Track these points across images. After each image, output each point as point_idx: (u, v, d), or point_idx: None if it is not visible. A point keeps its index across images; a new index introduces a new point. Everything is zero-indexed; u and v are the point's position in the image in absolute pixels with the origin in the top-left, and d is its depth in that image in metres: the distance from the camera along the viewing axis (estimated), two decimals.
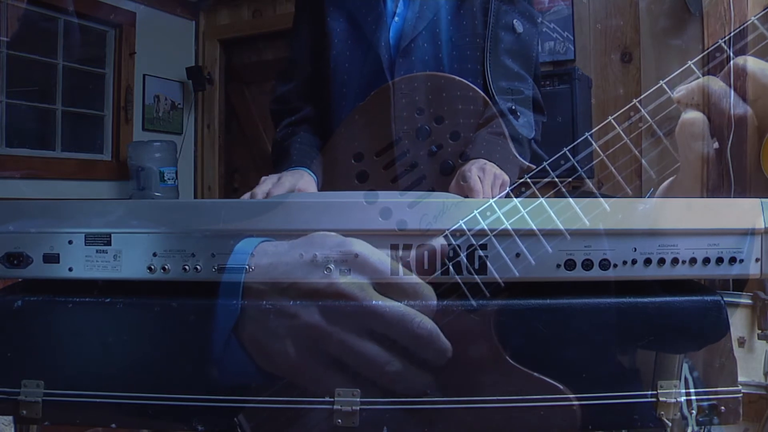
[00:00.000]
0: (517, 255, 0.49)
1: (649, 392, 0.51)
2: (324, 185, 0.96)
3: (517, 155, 0.93)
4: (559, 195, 0.50)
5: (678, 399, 0.50)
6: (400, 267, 0.47)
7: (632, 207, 0.49)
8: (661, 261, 0.49)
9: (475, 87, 0.94)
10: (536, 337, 0.50)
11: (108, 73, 2.66)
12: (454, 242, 0.48)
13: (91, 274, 0.50)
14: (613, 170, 0.52)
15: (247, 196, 0.89)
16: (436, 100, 0.94)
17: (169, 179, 2.63)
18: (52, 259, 0.51)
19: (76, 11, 2.46)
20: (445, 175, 0.93)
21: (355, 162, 0.96)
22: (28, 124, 2.48)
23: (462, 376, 0.49)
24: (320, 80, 1.03)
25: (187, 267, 0.49)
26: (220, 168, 2.94)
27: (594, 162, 0.52)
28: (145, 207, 0.52)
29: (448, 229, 0.48)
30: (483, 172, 0.85)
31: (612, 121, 0.52)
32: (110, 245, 0.50)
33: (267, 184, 0.89)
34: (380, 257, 0.48)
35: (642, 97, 0.53)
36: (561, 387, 0.49)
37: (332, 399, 0.48)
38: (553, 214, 0.48)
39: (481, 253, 0.48)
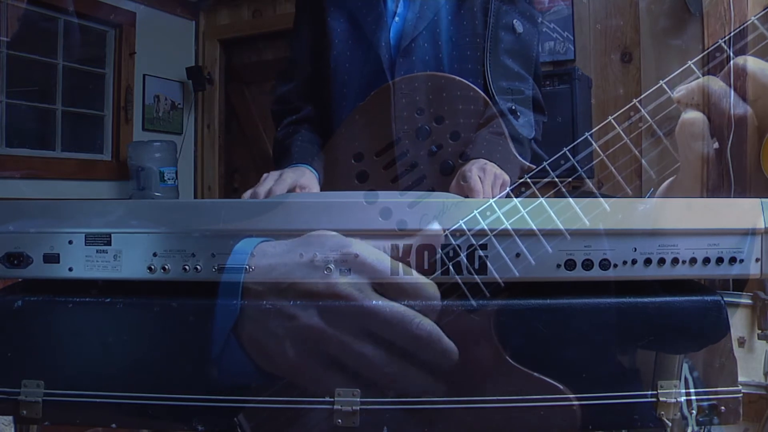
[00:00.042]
0: (517, 255, 0.49)
1: (649, 392, 0.51)
2: (324, 185, 0.96)
3: (518, 155, 0.93)
4: (559, 195, 0.50)
5: (678, 399, 0.50)
6: (401, 267, 0.47)
7: (632, 207, 0.49)
8: (661, 261, 0.49)
9: (475, 87, 0.94)
10: (536, 337, 0.50)
11: (108, 73, 2.66)
12: (454, 242, 0.48)
13: (91, 274, 0.50)
14: (613, 170, 0.52)
15: (248, 193, 0.89)
16: (436, 100, 0.94)
17: (169, 179, 2.63)
18: (52, 259, 0.51)
19: (76, 11, 2.46)
20: (445, 175, 0.93)
21: (355, 162, 0.96)
22: (28, 124, 2.48)
23: (462, 376, 0.49)
24: (320, 80, 1.03)
25: (187, 267, 0.49)
26: (220, 168, 2.94)
27: (594, 162, 0.52)
28: (145, 207, 0.52)
29: (448, 229, 0.48)
30: (483, 172, 0.85)
31: (612, 121, 0.52)
32: (110, 245, 0.50)
33: (269, 182, 0.89)
34: (380, 257, 0.47)
35: (642, 97, 0.53)
36: (561, 387, 0.49)
37: (332, 399, 0.48)
38: (553, 214, 0.48)
39: (481, 253, 0.48)
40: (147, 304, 0.51)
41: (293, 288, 0.47)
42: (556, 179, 0.51)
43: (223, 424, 0.50)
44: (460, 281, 0.49)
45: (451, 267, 0.48)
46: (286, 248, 0.48)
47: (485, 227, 0.48)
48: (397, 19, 0.99)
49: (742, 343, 1.52)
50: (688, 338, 0.51)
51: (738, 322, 1.51)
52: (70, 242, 0.50)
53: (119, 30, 2.64)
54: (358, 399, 0.48)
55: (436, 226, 0.48)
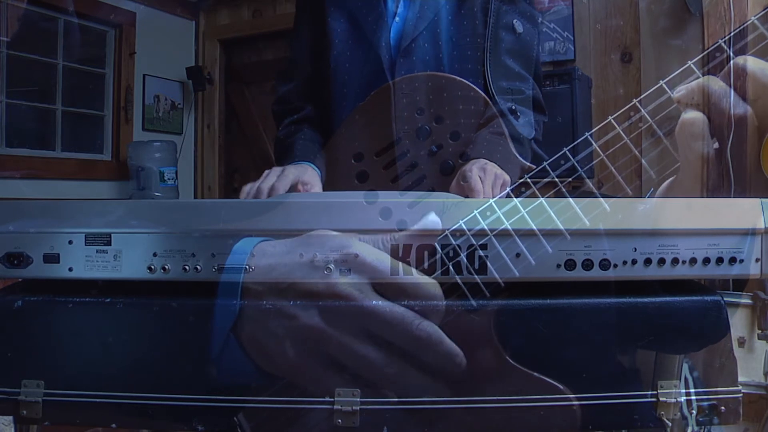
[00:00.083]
0: (517, 255, 0.49)
1: (649, 392, 0.51)
2: (325, 184, 0.96)
3: (518, 155, 0.93)
4: (559, 195, 0.50)
5: (678, 399, 0.50)
6: (401, 266, 0.47)
7: (632, 207, 0.49)
8: (661, 261, 0.49)
9: (475, 87, 0.94)
10: (536, 337, 0.50)
11: (108, 73, 2.66)
12: (454, 242, 0.48)
13: (91, 274, 0.50)
14: (613, 170, 0.52)
15: (246, 187, 0.89)
16: (436, 100, 0.94)
17: (169, 179, 2.63)
18: (52, 259, 0.51)
19: (76, 11, 2.46)
20: (445, 175, 0.93)
21: (355, 162, 0.96)
22: (28, 124, 2.48)
23: (462, 376, 0.49)
24: (321, 80, 1.03)
25: (187, 267, 0.49)
26: (220, 168, 2.94)
27: (594, 162, 0.52)
28: (145, 207, 0.52)
29: (448, 229, 0.48)
30: (484, 172, 0.85)
31: (612, 121, 0.52)
32: (110, 245, 0.50)
33: (271, 177, 0.89)
34: (380, 257, 0.47)
35: (642, 97, 0.53)
36: (561, 387, 0.49)
37: (332, 399, 0.48)
38: (553, 214, 0.48)
39: (481, 253, 0.48)
40: (147, 304, 0.51)
41: (293, 288, 0.47)
42: (556, 179, 0.51)
43: (223, 424, 0.50)
44: (460, 281, 0.48)
45: (451, 267, 0.48)
46: (285, 248, 0.48)
47: (485, 227, 0.48)
48: (397, 19, 1.00)
49: (742, 343, 1.52)
50: (688, 338, 0.51)
51: (738, 322, 1.51)
52: (70, 242, 0.50)
53: (119, 30, 2.64)
54: (358, 399, 0.48)
55: (433, 218, 0.48)
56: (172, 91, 2.86)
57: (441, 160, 0.93)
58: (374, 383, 0.48)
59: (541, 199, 0.49)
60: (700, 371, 0.55)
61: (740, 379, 0.66)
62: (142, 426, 0.57)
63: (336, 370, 0.48)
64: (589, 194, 0.49)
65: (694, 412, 0.52)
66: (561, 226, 0.48)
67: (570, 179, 0.51)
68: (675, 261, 0.49)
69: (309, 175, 0.93)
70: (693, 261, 0.49)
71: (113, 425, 0.52)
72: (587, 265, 0.49)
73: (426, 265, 0.48)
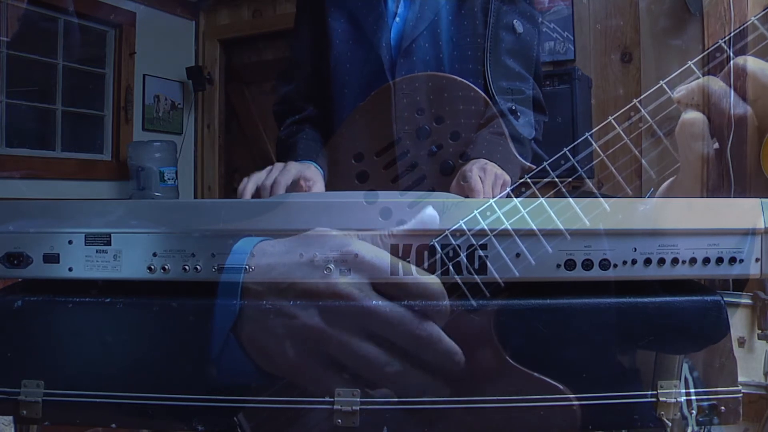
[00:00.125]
0: (517, 255, 0.49)
1: (649, 392, 0.51)
2: (326, 184, 0.96)
3: (518, 155, 0.93)
4: (559, 195, 0.50)
5: (678, 399, 0.50)
6: (400, 266, 0.47)
7: (632, 207, 0.49)
8: (661, 261, 0.49)
9: (475, 87, 0.95)
10: (536, 337, 0.50)
11: (108, 73, 2.66)
12: (454, 242, 0.48)
13: (91, 274, 0.50)
14: (614, 170, 0.52)
15: (244, 182, 0.89)
16: (436, 100, 0.94)
17: (169, 179, 2.63)
18: (52, 259, 0.51)
19: (76, 11, 2.46)
20: (445, 175, 0.93)
21: (356, 162, 0.96)
22: (28, 124, 2.48)
23: (462, 376, 0.49)
24: (322, 80, 1.03)
25: (187, 267, 0.49)
26: (220, 168, 2.94)
27: (594, 162, 0.52)
28: (145, 207, 0.52)
29: (448, 229, 0.48)
30: (484, 172, 0.85)
31: (612, 121, 0.52)
32: (110, 245, 0.50)
33: (274, 172, 0.90)
34: (379, 255, 0.47)
35: (642, 97, 0.53)
36: (561, 387, 0.49)
37: (332, 399, 0.48)
38: (553, 214, 0.48)
39: (481, 253, 0.48)
40: (147, 304, 0.51)
41: (293, 288, 0.47)
42: (557, 179, 0.51)
43: (223, 424, 0.50)
44: (460, 281, 0.48)
45: (451, 267, 0.48)
46: (285, 247, 0.48)
47: (485, 227, 0.48)
48: (397, 19, 1.00)
49: (742, 343, 1.52)
50: (688, 338, 0.51)
51: (738, 322, 1.51)
52: (70, 242, 0.50)
53: (119, 30, 2.64)
54: (358, 399, 0.48)
55: (430, 212, 0.48)
56: (172, 91, 2.86)
57: (441, 160, 0.93)
58: (374, 383, 0.48)
59: (541, 199, 0.49)
60: (700, 371, 0.55)
61: (740, 379, 0.66)
62: (142, 426, 0.57)
63: (336, 370, 0.48)
64: (589, 194, 0.49)
65: (694, 412, 0.52)
66: (561, 226, 0.48)
67: (570, 179, 0.51)
68: (675, 261, 0.49)
69: (311, 171, 0.93)
70: (693, 261, 0.49)
71: (113, 425, 0.52)
72: (587, 265, 0.49)
73: (426, 264, 0.48)
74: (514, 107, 0.98)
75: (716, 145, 0.54)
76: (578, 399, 0.49)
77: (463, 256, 0.48)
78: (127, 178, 2.62)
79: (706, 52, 0.54)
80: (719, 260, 0.49)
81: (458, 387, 0.49)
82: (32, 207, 0.51)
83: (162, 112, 2.83)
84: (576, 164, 0.51)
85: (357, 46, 1.00)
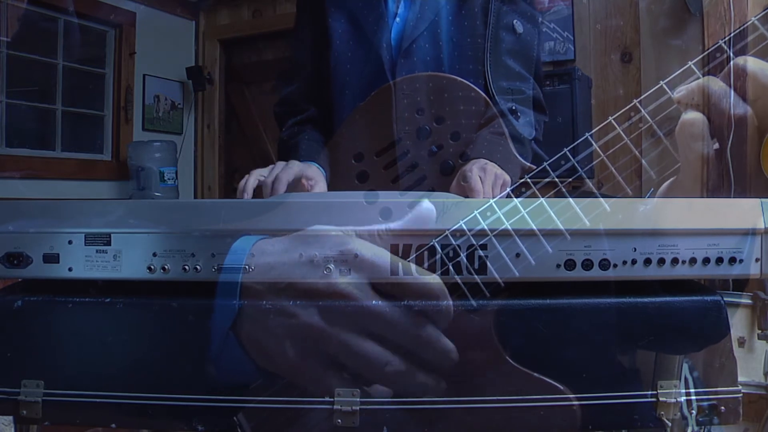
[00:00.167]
0: (517, 255, 0.49)
1: (649, 392, 0.51)
2: (328, 184, 0.96)
3: (518, 155, 0.93)
4: (559, 195, 0.50)
5: (678, 399, 0.50)
6: (400, 266, 0.47)
7: (632, 207, 0.49)
8: (661, 261, 0.49)
9: (476, 87, 0.95)
10: (536, 337, 0.50)
11: (108, 73, 2.66)
12: (454, 242, 0.48)
13: (91, 274, 0.50)
14: (614, 170, 0.52)
15: (246, 177, 0.90)
16: (437, 100, 0.94)
17: (169, 179, 2.63)
18: (52, 259, 0.51)
19: (76, 11, 2.46)
20: (445, 175, 0.93)
21: (356, 162, 0.96)
22: (28, 124, 2.48)
23: (462, 376, 0.49)
24: (322, 81, 1.03)
25: (187, 267, 0.49)
26: (220, 168, 2.94)
27: (594, 162, 0.52)
28: (145, 207, 0.52)
29: (448, 230, 0.48)
30: (484, 172, 0.85)
31: (612, 121, 0.52)
32: (110, 245, 0.50)
33: (276, 169, 0.90)
34: (378, 253, 0.47)
35: (642, 97, 0.53)
36: (561, 387, 0.49)
37: (332, 399, 0.48)
38: (553, 214, 0.48)
39: (481, 253, 0.48)
40: (147, 304, 0.51)
41: (292, 287, 0.47)
42: (557, 179, 0.51)
43: (223, 424, 0.50)
44: (460, 281, 0.48)
45: (451, 267, 0.48)
46: (284, 246, 0.48)
47: (485, 227, 0.48)
48: (398, 19, 1.00)
49: (742, 343, 1.52)
50: (688, 338, 0.51)
51: (738, 322, 1.51)
52: (70, 242, 0.50)
53: (119, 30, 2.64)
54: (358, 399, 0.48)
55: (427, 205, 0.48)
56: (172, 91, 2.86)
57: (441, 160, 0.93)
58: (371, 381, 0.48)
59: (542, 200, 0.49)
60: (700, 371, 0.55)
61: (740, 379, 0.66)
62: (142, 426, 0.57)
63: (334, 369, 0.48)
64: (590, 194, 0.49)
65: (694, 412, 0.52)
66: (561, 226, 0.48)
67: (570, 179, 0.51)
68: (675, 261, 0.49)
69: (313, 171, 0.93)
70: (693, 261, 0.49)
71: (113, 425, 0.52)
72: (587, 265, 0.49)
73: (426, 264, 0.48)
74: (514, 107, 0.98)
75: (716, 146, 0.54)
76: (578, 399, 0.49)
77: (463, 256, 0.48)
78: (127, 178, 2.62)
79: (706, 53, 0.54)
80: (719, 260, 0.49)
81: (458, 387, 0.49)
82: (32, 207, 0.51)
83: (162, 112, 2.83)
84: (576, 164, 0.51)
85: (357, 46, 1.00)
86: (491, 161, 0.88)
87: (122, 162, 2.66)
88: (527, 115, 1.00)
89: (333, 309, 0.46)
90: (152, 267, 0.50)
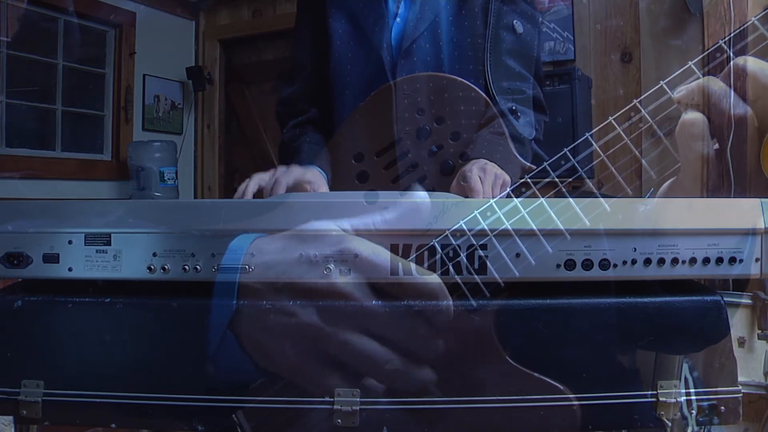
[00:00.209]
0: (517, 255, 0.49)
1: (649, 392, 0.51)
2: (330, 187, 0.96)
3: (518, 155, 0.93)
4: (559, 195, 0.50)
5: (678, 399, 0.50)
6: (400, 266, 0.47)
7: (632, 207, 0.49)
8: (661, 261, 0.49)
9: (476, 88, 0.95)
10: (536, 337, 0.50)
11: (108, 73, 2.66)
12: (454, 242, 0.48)
13: (91, 274, 0.50)
14: (614, 170, 0.52)
15: (246, 181, 0.90)
16: (437, 100, 0.94)
17: (169, 179, 2.63)
18: (51, 259, 0.51)
19: (76, 11, 2.46)
20: (445, 175, 0.93)
21: (356, 162, 0.96)
22: (28, 124, 2.48)
23: (462, 376, 0.49)
24: (323, 81, 1.03)
25: (187, 267, 0.49)
26: (220, 168, 2.94)
27: (594, 162, 0.52)
28: (145, 207, 0.52)
29: (448, 230, 0.48)
30: (484, 173, 0.85)
31: (612, 121, 0.52)
32: (110, 245, 0.50)
33: (277, 173, 0.90)
34: (377, 251, 0.47)
35: (642, 97, 0.53)
36: (561, 387, 0.49)
37: (332, 399, 0.48)
38: (553, 215, 0.48)
39: (481, 253, 0.48)
40: (146, 304, 0.51)
41: (290, 287, 0.47)
42: (557, 179, 0.51)
43: (223, 424, 0.50)
44: (460, 281, 0.48)
45: (451, 267, 0.48)
46: (282, 245, 0.48)
47: (485, 227, 0.48)
48: (398, 20, 1.00)
49: (742, 343, 1.52)
50: (688, 338, 0.51)
51: (738, 322, 1.51)
52: (70, 242, 0.50)
53: (119, 30, 2.64)
54: (358, 399, 0.48)
55: (422, 194, 0.48)
56: (172, 91, 2.86)
57: (441, 160, 0.93)
58: (370, 379, 0.48)
59: (542, 200, 0.49)
60: (700, 371, 0.55)
61: (740, 379, 0.66)
62: (142, 426, 0.57)
63: (334, 369, 0.48)
64: (590, 194, 0.49)
65: (694, 412, 0.52)
66: (561, 226, 0.48)
67: (570, 179, 0.51)
68: (675, 261, 0.49)
69: (315, 175, 0.93)
70: (693, 261, 0.49)
71: (113, 425, 0.52)
72: (587, 265, 0.49)
73: (426, 264, 0.48)
74: (514, 107, 0.98)
75: (716, 146, 0.54)
76: (578, 399, 0.49)
77: (463, 256, 0.48)
78: (127, 178, 2.62)
79: (706, 53, 0.54)
80: (719, 260, 0.49)
81: (458, 387, 0.49)
82: (32, 207, 0.51)
83: (162, 112, 2.83)
84: (576, 164, 0.51)
85: (358, 46, 1.00)
86: (491, 161, 0.88)
87: (122, 162, 2.66)
88: (527, 115, 1.00)
89: (333, 309, 0.46)
90: (152, 267, 0.50)
